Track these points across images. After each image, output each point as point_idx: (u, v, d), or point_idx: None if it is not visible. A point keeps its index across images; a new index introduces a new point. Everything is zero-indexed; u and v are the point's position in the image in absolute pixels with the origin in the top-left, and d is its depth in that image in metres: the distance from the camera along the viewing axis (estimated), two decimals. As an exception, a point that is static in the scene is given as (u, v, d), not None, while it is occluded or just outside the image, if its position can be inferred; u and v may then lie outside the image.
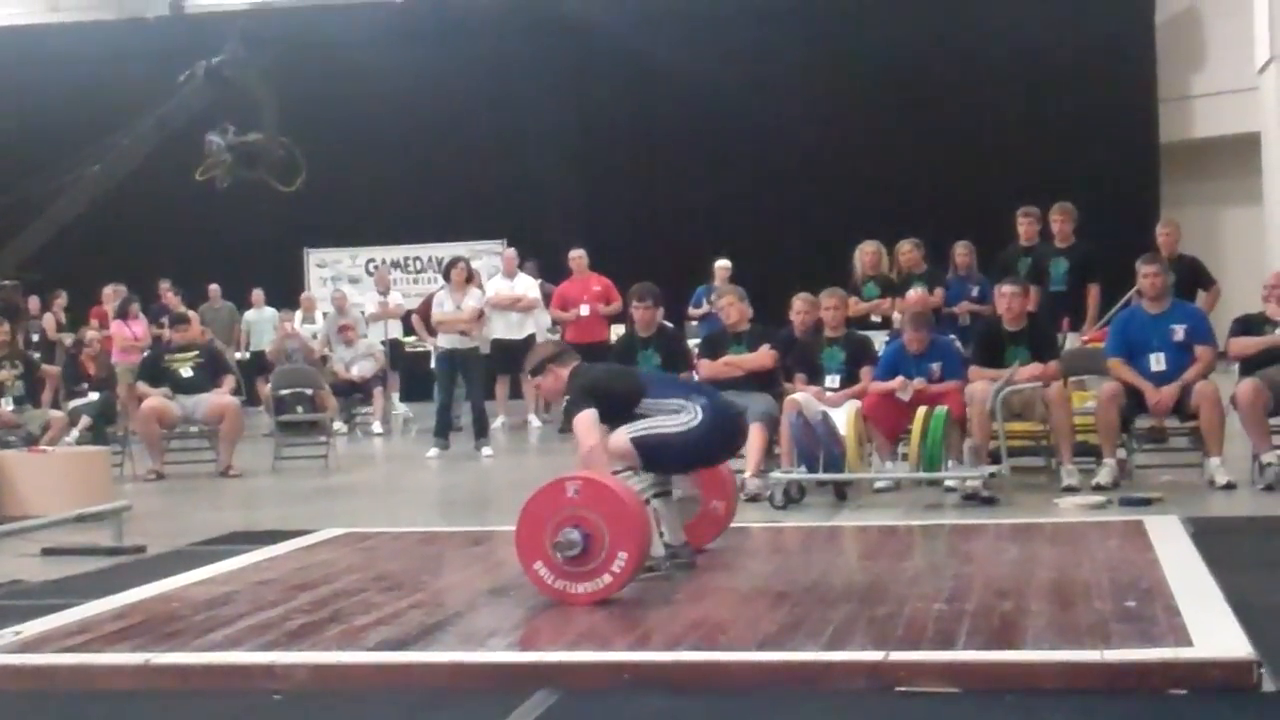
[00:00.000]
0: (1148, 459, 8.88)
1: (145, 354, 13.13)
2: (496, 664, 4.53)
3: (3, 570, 6.88)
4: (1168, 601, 4.81)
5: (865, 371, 8.86)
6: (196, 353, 11.77)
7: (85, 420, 11.60)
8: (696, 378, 8.71)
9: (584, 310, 13.64)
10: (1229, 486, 8.09)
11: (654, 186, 18.71)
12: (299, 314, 16.37)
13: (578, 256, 14.01)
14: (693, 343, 10.60)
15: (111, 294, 15.86)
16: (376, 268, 18.12)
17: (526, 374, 6.39)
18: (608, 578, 5.15)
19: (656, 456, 5.77)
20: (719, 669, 4.34)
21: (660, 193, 18.66)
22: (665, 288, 9.64)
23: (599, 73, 19.24)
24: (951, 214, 15.01)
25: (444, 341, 12.22)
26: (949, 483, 8.21)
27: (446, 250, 17.19)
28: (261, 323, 16.84)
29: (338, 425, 13.39)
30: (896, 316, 10.62)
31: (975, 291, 11.30)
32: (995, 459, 8.27)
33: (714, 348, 9.13)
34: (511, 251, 14.70)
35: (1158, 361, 8.40)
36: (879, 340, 9.85)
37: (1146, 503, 7.65)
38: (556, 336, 13.48)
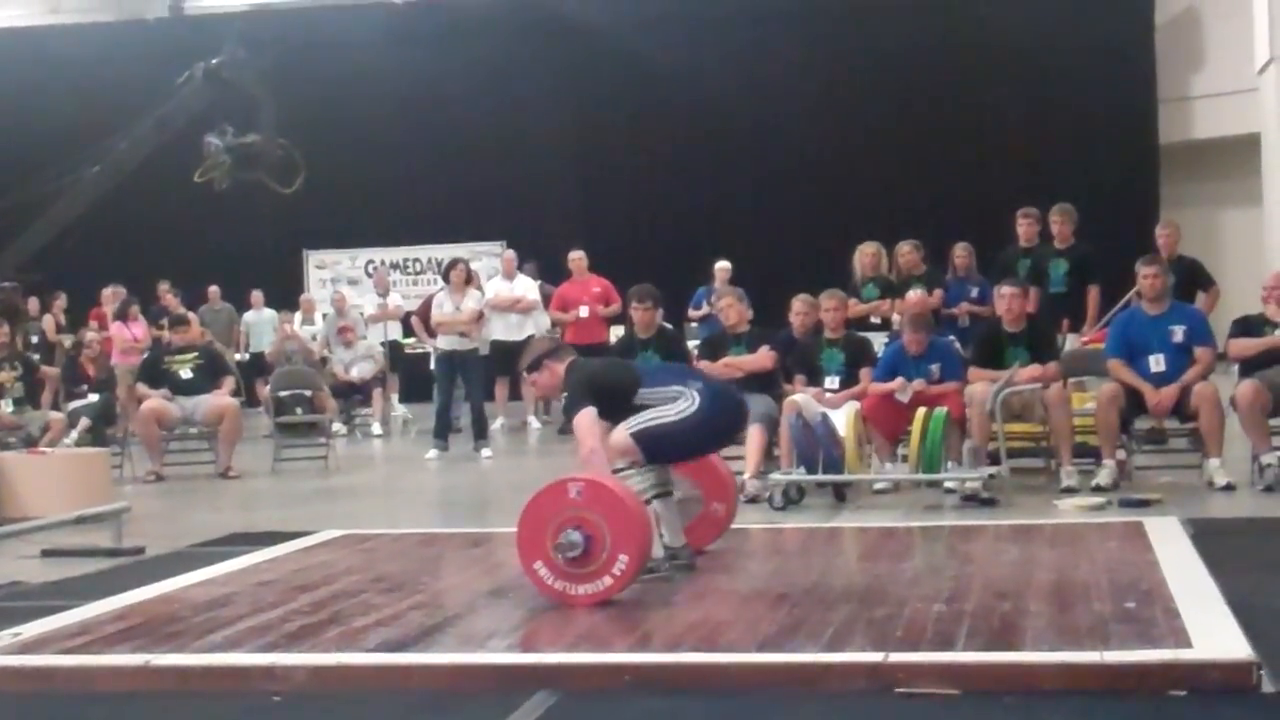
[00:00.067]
0: (1147, 460, 8.86)
1: (145, 355, 13.13)
2: (496, 665, 4.53)
3: (2, 572, 6.89)
4: (1167, 603, 4.82)
5: (865, 373, 8.86)
6: (196, 354, 11.76)
7: (85, 422, 11.57)
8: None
9: (583, 312, 13.64)
10: (1229, 488, 8.08)
11: (653, 188, 18.68)
12: (298, 315, 16.36)
13: (577, 258, 14.01)
14: (692, 344, 10.60)
15: (111, 295, 15.85)
16: (376, 269, 18.08)
17: (522, 371, 6.35)
18: (609, 580, 5.15)
19: (659, 447, 5.76)
20: (719, 670, 4.34)
21: (660, 194, 18.63)
22: (665, 289, 9.62)
23: (598, 74, 19.23)
24: (951, 215, 15.02)
25: (443, 343, 12.21)
26: (948, 484, 8.20)
27: (446, 252, 17.19)
28: (261, 324, 16.82)
29: (337, 427, 13.37)
30: (896, 318, 10.61)
31: (975, 293, 11.28)
32: (995, 460, 8.26)
33: (714, 349, 9.14)
34: (511, 253, 14.68)
35: (1157, 363, 8.39)
36: (878, 342, 9.84)
37: (1146, 504, 7.64)
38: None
